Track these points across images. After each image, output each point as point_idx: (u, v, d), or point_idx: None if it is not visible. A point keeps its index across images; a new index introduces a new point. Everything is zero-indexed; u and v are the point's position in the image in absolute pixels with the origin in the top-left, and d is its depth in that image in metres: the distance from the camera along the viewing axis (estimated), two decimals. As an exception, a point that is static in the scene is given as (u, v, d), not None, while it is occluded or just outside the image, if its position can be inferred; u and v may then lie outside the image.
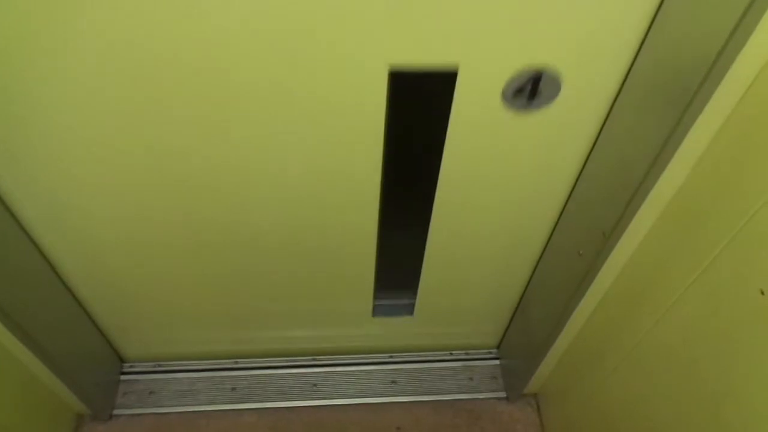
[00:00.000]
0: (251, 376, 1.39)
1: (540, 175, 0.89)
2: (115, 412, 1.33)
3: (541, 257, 1.08)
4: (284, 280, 1.13)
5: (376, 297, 1.21)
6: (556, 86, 0.71)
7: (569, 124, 0.79)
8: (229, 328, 1.29)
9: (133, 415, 1.33)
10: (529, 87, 0.71)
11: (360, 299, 1.22)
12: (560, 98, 0.74)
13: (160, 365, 1.38)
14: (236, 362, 1.39)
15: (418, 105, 0.78)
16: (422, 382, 1.40)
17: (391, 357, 1.42)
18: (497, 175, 0.89)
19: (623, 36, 0.68)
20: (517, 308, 1.27)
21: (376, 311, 1.27)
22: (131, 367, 1.38)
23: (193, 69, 0.70)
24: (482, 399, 1.39)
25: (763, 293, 0.59)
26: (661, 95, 0.66)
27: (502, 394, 1.39)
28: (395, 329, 1.35)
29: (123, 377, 1.37)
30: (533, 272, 1.14)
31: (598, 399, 1.06)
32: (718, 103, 0.63)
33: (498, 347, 1.45)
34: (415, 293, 1.21)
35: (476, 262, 1.12)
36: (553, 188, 0.92)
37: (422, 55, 0.69)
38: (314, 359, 1.41)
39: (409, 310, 1.27)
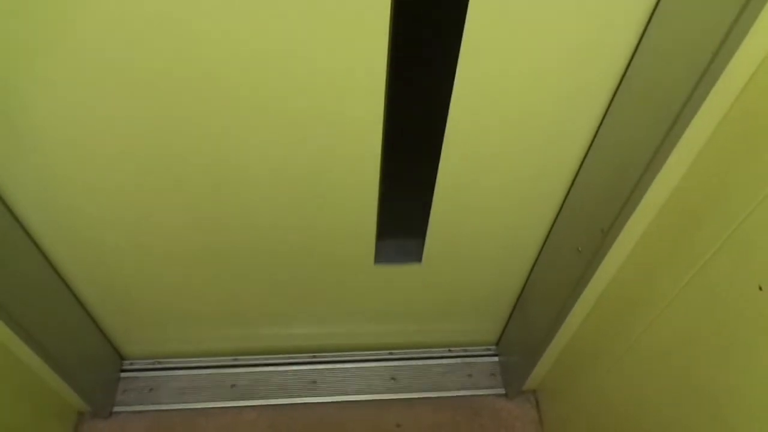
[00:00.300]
0: (251, 373, 1.39)
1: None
2: (116, 409, 1.33)
3: (539, 254, 1.09)
4: (286, 281, 1.13)
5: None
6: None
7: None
8: (229, 325, 1.30)
9: (133, 413, 1.33)
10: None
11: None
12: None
13: (159, 362, 1.39)
14: (236, 359, 1.40)
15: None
16: (422, 379, 1.40)
17: (390, 354, 1.42)
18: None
19: None
20: (515, 305, 1.27)
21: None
22: (131, 364, 1.38)
23: (189, 64, 0.70)
24: (481, 396, 1.40)
25: (761, 289, 0.60)
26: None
27: (501, 391, 1.40)
28: (393, 328, 1.36)
29: (123, 374, 1.37)
30: (532, 269, 1.14)
31: (596, 395, 1.06)
32: (716, 98, 0.63)
33: (497, 344, 1.45)
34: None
35: (475, 260, 1.12)
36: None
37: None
38: (314, 356, 1.41)
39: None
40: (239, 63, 0.70)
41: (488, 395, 1.40)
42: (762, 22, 0.55)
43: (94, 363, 1.27)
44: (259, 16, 0.65)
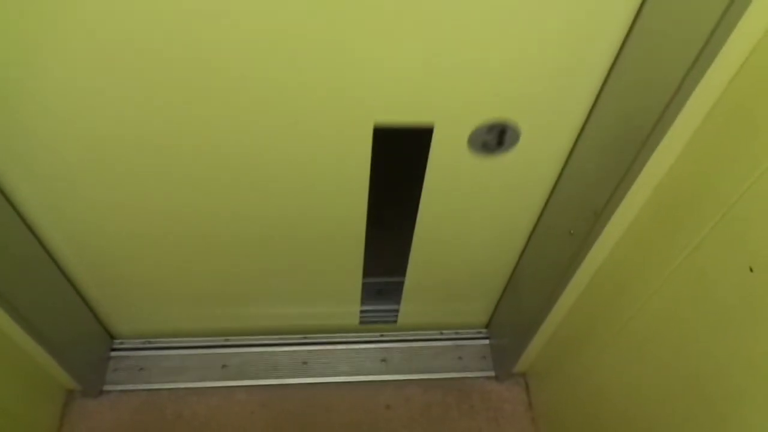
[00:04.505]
0: (242, 353, 1.39)
1: (509, 206, 1.02)
2: (106, 388, 1.33)
3: (531, 237, 1.09)
4: (275, 265, 1.13)
5: (365, 276, 1.22)
6: (515, 135, 0.85)
7: (531, 165, 0.92)
8: (220, 306, 1.29)
9: (123, 391, 1.33)
10: (493, 136, 0.85)
11: (349, 284, 1.23)
12: (521, 145, 0.87)
13: (150, 342, 1.38)
14: (227, 339, 1.40)
15: (399, 156, 0.90)
16: (412, 360, 1.41)
17: (381, 336, 1.43)
18: (472, 208, 1.02)
19: (579, 88, 0.78)
20: (506, 288, 1.27)
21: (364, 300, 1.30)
22: (121, 343, 1.38)
23: (188, 67, 0.71)
24: (472, 378, 1.41)
25: (752, 270, 0.60)
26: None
27: (492, 374, 1.41)
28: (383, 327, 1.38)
29: (113, 354, 1.37)
30: (523, 252, 1.14)
31: (586, 378, 1.07)
32: (709, 83, 0.63)
33: (487, 327, 1.46)
34: (404, 274, 1.21)
35: (466, 242, 1.12)
36: (523, 212, 1.04)
37: (402, 114, 0.80)
38: (305, 337, 1.41)
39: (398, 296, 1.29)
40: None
41: (478, 377, 1.41)
42: (759, 1, 0.55)
43: (85, 342, 1.27)
44: None
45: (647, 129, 0.69)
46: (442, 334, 1.44)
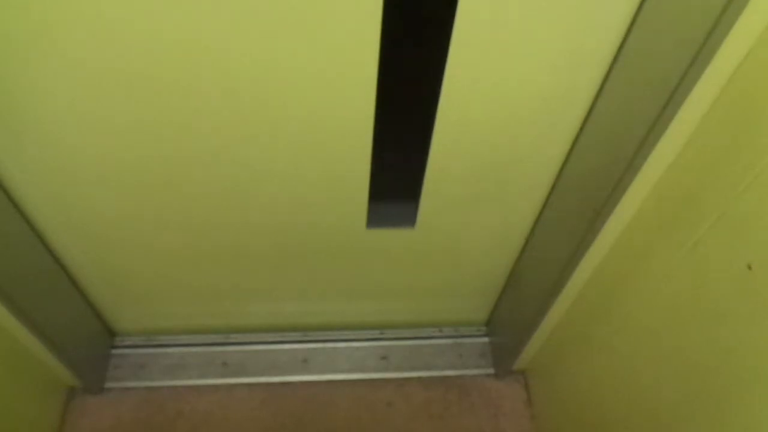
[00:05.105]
0: (242, 351, 1.39)
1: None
2: (107, 385, 1.33)
3: (531, 234, 1.09)
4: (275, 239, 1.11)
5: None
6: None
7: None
8: (221, 303, 1.30)
9: (124, 389, 1.34)
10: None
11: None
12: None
13: (151, 339, 1.39)
14: (227, 337, 1.40)
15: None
16: (412, 358, 1.41)
17: (381, 333, 1.43)
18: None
19: None
20: (506, 285, 1.27)
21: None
22: (122, 341, 1.38)
23: (186, 67, 0.71)
24: (471, 375, 1.41)
25: (750, 268, 0.60)
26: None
27: (491, 371, 1.41)
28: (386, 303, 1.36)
29: (114, 351, 1.37)
30: (523, 248, 1.14)
31: (586, 375, 1.07)
32: (712, 76, 0.63)
33: (487, 324, 1.46)
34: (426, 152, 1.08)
35: (466, 235, 1.12)
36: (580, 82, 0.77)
37: None
38: (305, 335, 1.41)
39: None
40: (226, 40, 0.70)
41: (478, 375, 1.41)
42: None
43: (86, 338, 1.27)
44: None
45: (647, 126, 0.69)
46: (441, 331, 1.45)
